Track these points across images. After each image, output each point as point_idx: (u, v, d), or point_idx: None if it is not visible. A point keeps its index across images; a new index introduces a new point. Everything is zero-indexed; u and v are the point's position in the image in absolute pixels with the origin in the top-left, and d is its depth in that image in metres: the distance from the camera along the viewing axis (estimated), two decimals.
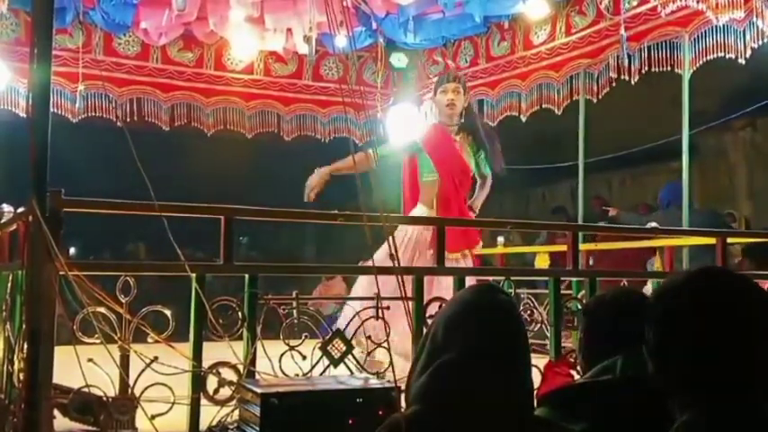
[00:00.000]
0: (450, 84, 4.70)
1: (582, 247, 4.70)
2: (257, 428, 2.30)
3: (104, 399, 2.58)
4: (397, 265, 2.97)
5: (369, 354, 2.99)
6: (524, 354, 1.66)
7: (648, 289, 4.23)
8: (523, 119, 6.51)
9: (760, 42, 4.75)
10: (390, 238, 3.05)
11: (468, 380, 1.56)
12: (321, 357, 2.90)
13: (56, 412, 2.54)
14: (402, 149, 4.80)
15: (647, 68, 5.41)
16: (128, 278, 2.76)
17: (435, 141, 4.74)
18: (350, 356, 2.95)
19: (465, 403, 1.54)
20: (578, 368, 2.22)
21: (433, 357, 1.61)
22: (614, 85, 5.72)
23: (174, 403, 2.65)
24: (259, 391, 2.33)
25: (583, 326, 2.13)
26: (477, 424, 1.53)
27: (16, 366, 2.60)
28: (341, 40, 6.26)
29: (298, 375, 2.84)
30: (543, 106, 6.31)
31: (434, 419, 1.55)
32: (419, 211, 4.67)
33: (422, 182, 4.72)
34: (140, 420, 2.61)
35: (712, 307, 1.46)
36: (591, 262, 6.37)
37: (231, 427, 2.57)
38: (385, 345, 2.93)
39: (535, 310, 3.56)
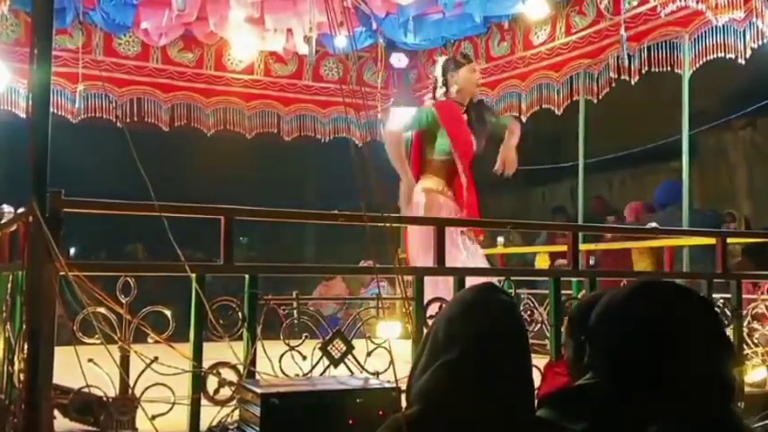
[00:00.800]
0: (476, 65, 4.73)
1: (582, 247, 4.70)
2: (257, 429, 2.30)
3: (105, 399, 2.58)
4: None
5: (369, 354, 2.98)
6: (525, 354, 1.66)
7: None
8: (524, 119, 6.50)
9: (760, 42, 4.76)
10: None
11: (469, 380, 1.55)
12: (321, 357, 2.90)
13: (56, 413, 2.54)
14: (416, 120, 4.67)
15: (647, 68, 5.41)
16: (128, 278, 2.76)
17: (452, 118, 4.61)
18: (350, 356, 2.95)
19: (466, 403, 1.54)
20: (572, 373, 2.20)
21: (434, 357, 1.61)
22: (614, 85, 5.73)
23: (174, 403, 2.65)
24: (259, 391, 2.33)
25: (576, 328, 2.12)
26: (477, 424, 1.53)
27: (16, 367, 2.60)
28: (341, 41, 6.27)
29: (298, 375, 2.84)
30: (543, 106, 6.32)
31: (435, 419, 1.55)
32: (429, 182, 4.60)
33: (431, 158, 4.64)
34: (141, 421, 2.61)
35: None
36: (591, 262, 6.36)
37: (231, 427, 2.56)
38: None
39: (535, 310, 3.57)
